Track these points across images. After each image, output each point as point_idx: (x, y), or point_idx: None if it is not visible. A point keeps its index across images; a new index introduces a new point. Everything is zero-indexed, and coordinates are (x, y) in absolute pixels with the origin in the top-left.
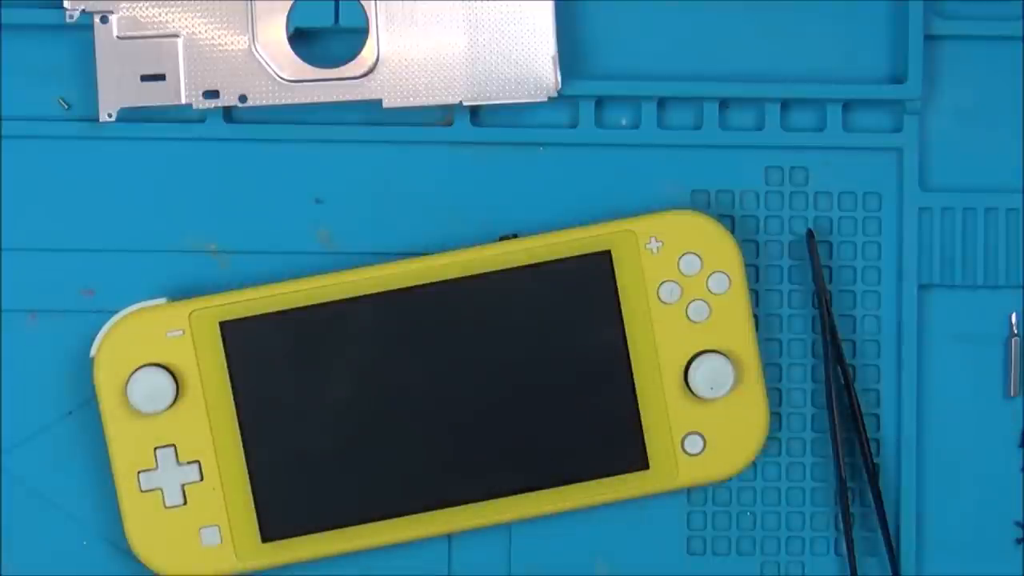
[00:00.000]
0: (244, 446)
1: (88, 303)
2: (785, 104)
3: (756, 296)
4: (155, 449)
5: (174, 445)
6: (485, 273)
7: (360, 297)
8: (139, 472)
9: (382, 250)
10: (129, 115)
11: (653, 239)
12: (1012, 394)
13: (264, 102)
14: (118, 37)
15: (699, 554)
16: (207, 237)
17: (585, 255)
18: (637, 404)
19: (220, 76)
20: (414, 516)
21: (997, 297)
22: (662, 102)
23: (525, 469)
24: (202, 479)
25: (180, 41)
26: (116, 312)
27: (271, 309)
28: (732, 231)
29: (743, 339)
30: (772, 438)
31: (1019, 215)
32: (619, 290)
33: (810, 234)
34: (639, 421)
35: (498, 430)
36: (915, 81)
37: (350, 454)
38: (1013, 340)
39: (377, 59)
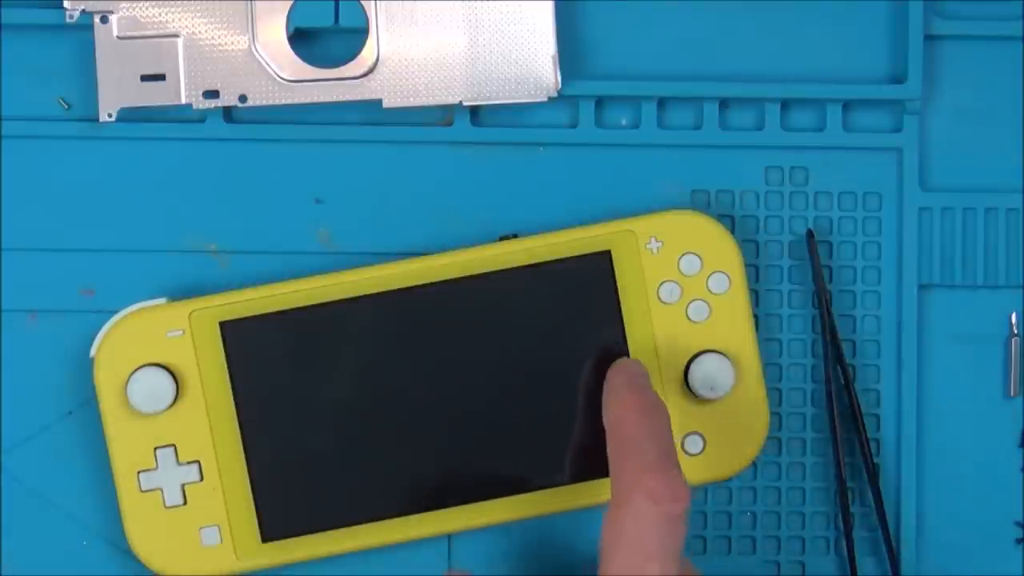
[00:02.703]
0: (244, 446)
1: (88, 303)
2: (785, 104)
3: (756, 296)
4: (155, 449)
5: (174, 445)
6: (485, 273)
7: (360, 297)
8: (139, 472)
9: (382, 250)
10: (129, 115)
11: (653, 239)
12: (1012, 394)
13: (264, 102)
14: (118, 37)
15: (699, 554)
16: (207, 237)
17: (585, 255)
18: None
19: (220, 76)
20: (414, 516)
21: (997, 297)
22: (662, 102)
23: (525, 469)
24: (202, 479)
25: (180, 41)
26: (116, 312)
27: (271, 309)
28: (732, 231)
29: (743, 339)
30: (772, 438)
31: (1019, 215)
32: (619, 290)
33: (810, 234)
34: None
35: (498, 430)
36: (915, 81)
37: (350, 454)
38: (1013, 340)
39: (377, 59)
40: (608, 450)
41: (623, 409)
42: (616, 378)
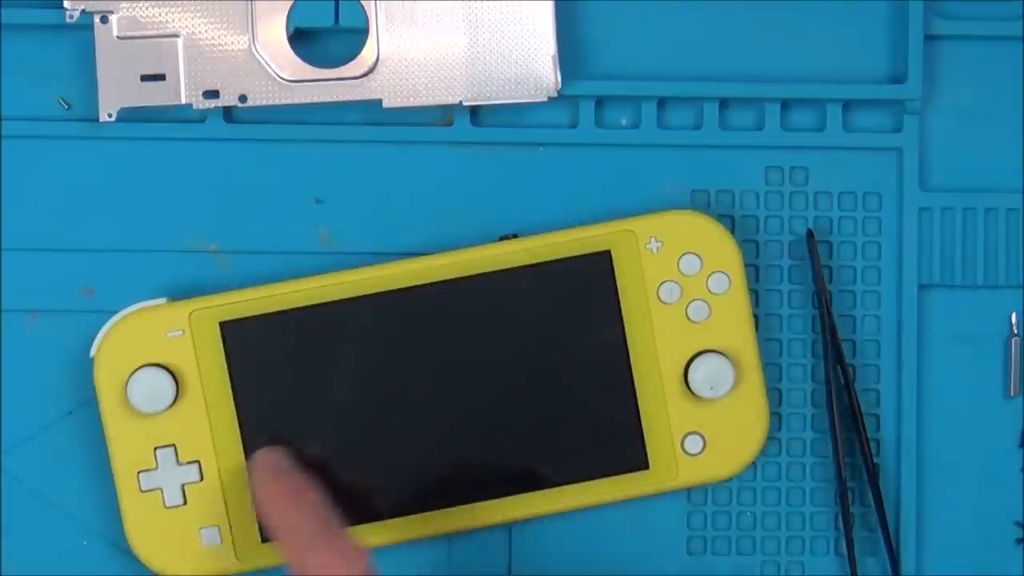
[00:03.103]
0: (244, 446)
1: (88, 303)
2: (785, 104)
3: (756, 296)
4: (155, 449)
5: (174, 445)
6: (485, 273)
7: (360, 297)
8: (139, 472)
9: (382, 250)
10: (129, 115)
11: (653, 239)
12: (1012, 394)
13: (264, 102)
14: (118, 37)
15: (699, 554)
16: (207, 237)
17: (585, 255)
18: (637, 404)
19: (220, 76)
20: (414, 516)
21: (997, 297)
22: (662, 102)
23: (525, 469)
24: (202, 479)
25: (180, 41)
26: (116, 312)
27: (271, 309)
28: (732, 231)
29: (743, 339)
30: (772, 438)
31: (1019, 215)
32: (619, 290)
33: (810, 234)
34: (639, 421)
35: (498, 430)
36: (915, 81)
37: (350, 454)
38: (1013, 340)
39: (377, 59)
40: (274, 539)
41: (269, 503)
42: (255, 476)
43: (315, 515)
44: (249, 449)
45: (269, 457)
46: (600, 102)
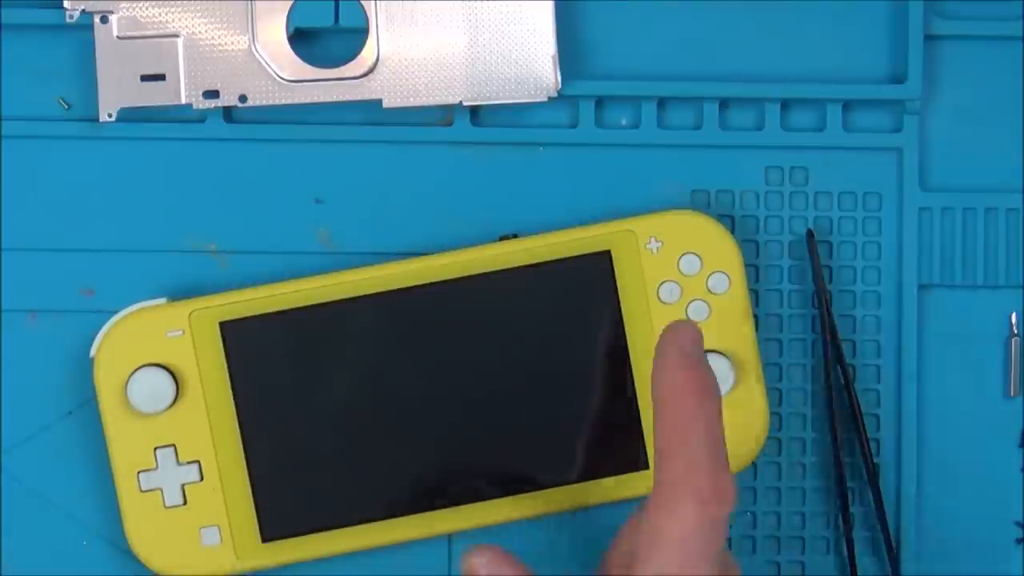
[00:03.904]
0: (244, 446)
1: (88, 303)
2: (785, 104)
3: (756, 296)
4: (155, 449)
5: (174, 445)
6: (485, 273)
7: (360, 297)
8: (139, 472)
9: (382, 250)
10: (129, 115)
11: (653, 239)
12: (1012, 394)
13: (264, 102)
14: (118, 37)
15: None
16: (207, 237)
17: (585, 255)
18: (637, 404)
19: (220, 76)
20: (414, 516)
21: (997, 297)
22: (662, 102)
23: (524, 469)
24: (202, 479)
25: (180, 41)
26: (116, 312)
27: (271, 309)
28: (732, 231)
29: (743, 339)
30: (772, 438)
31: (1019, 215)
32: (619, 290)
33: (810, 234)
34: (639, 421)
35: (498, 430)
36: (915, 81)
37: (350, 454)
38: (1013, 340)
39: (377, 59)
40: (655, 430)
41: (676, 389)
42: (670, 347)
43: (713, 430)
44: (249, 449)
45: (688, 334)
46: (600, 102)
